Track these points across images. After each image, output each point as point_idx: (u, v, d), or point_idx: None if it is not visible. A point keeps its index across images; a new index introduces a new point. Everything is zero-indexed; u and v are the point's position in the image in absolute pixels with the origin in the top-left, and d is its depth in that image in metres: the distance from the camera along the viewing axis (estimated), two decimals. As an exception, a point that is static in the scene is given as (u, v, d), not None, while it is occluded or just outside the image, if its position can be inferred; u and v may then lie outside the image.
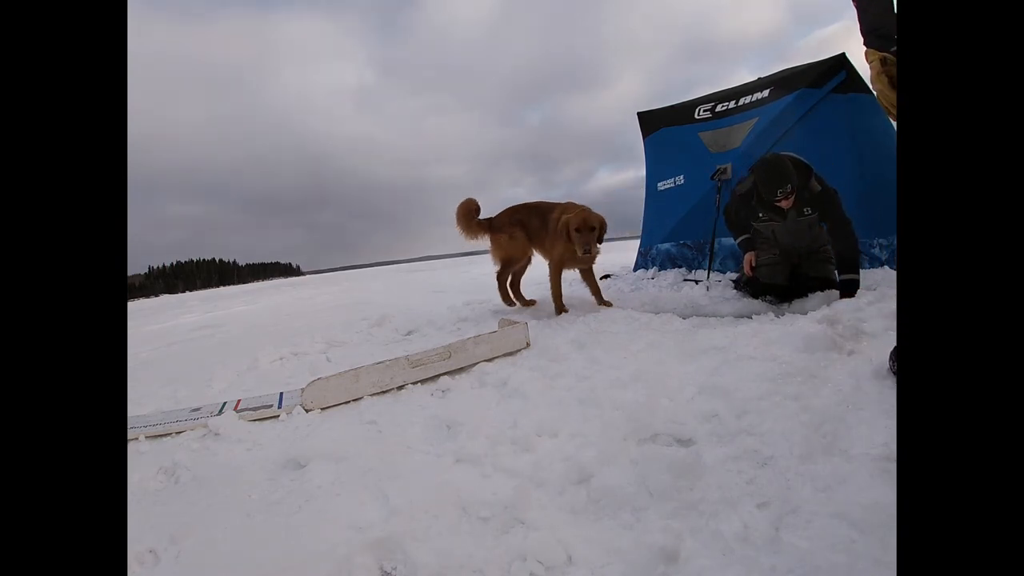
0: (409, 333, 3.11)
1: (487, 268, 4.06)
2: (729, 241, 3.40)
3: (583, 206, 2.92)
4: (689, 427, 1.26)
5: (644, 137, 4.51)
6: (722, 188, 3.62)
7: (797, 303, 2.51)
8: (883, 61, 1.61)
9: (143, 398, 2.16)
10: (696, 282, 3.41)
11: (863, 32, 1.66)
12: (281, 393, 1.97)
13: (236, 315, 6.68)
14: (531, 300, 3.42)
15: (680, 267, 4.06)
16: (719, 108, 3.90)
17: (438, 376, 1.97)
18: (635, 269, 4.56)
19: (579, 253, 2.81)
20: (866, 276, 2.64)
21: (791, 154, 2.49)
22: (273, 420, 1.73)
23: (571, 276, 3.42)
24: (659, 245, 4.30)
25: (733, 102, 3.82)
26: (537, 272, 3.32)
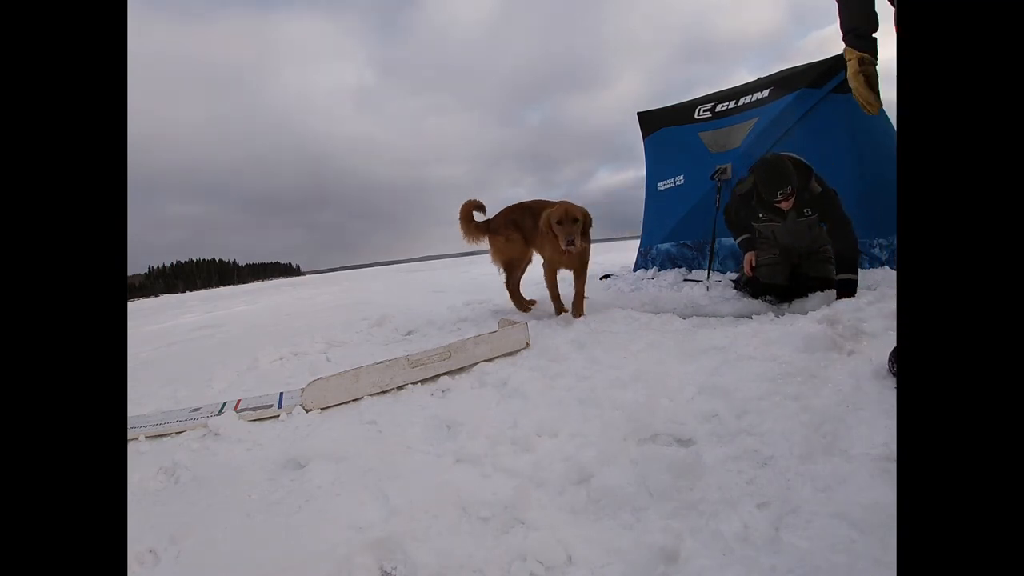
0: (409, 333, 3.11)
1: (487, 268, 4.06)
2: (729, 241, 3.40)
3: (570, 201, 2.74)
4: (689, 427, 1.26)
5: (644, 137, 4.51)
6: (722, 188, 3.62)
7: (797, 303, 2.51)
8: (860, 61, 1.63)
9: (143, 398, 2.16)
10: (696, 282, 3.41)
11: (843, 30, 1.68)
12: (281, 393, 1.97)
13: (236, 315, 6.67)
14: (531, 300, 3.42)
15: (680, 267, 4.06)
16: (719, 108, 3.90)
17: (438, 376, 1.97)
18: (635, 269, 4.56)
19: (562, 246, 2.60)
20: (866, 276, 2.63)
21: (791, 154, 2.49)
22: (273, 420, 1.73)
23: (570, 276, 3.43)
24: (659, 245, 4.30)
25: (733, 102, 3.82)
26: (537, 272, 3.33)
